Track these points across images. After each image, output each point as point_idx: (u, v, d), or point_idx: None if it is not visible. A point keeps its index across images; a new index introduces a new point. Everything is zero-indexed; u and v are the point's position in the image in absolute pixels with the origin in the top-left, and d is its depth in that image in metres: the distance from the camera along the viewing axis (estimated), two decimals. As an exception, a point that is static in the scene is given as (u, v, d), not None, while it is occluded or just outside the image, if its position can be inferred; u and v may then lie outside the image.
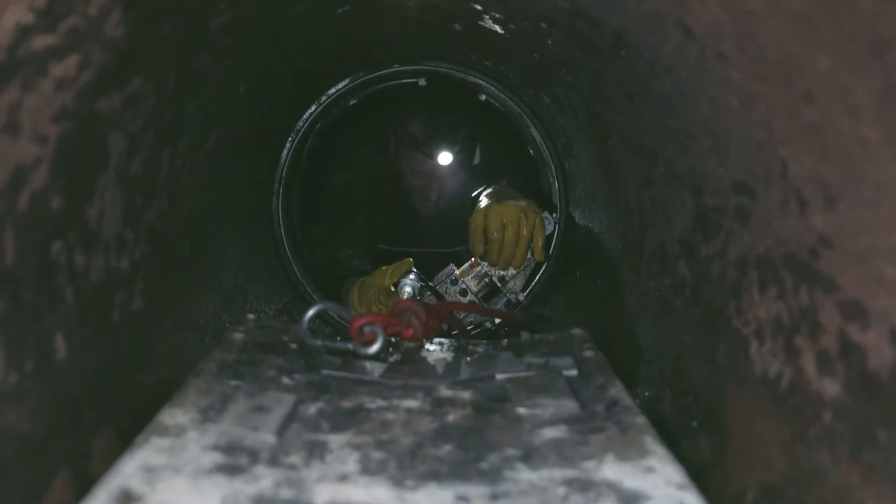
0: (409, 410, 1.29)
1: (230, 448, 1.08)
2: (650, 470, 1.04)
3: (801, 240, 1.07)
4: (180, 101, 1.53)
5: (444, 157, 3.20)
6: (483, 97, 2.78)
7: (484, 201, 2.66)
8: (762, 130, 1.10)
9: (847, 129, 0.91)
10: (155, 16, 1.24)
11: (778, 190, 1.10)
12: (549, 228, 2.73)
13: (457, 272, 2.76)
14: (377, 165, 3.38)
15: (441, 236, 3.33)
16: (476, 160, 3.39)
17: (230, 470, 1.02)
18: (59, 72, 1.06)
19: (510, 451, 1.12)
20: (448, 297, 2.73)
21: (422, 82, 2.76)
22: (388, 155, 3.37)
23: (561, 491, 1.00)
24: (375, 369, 1.50)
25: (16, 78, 0.97)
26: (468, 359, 1.60)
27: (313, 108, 2.65)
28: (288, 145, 2.67)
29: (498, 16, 1.87)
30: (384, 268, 2.76)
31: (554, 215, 2.71)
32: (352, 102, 2.79)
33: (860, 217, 0.94)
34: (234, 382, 1.33)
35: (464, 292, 2.73)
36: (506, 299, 2.76)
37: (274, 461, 1.06)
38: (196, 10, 1.40)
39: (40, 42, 0.99)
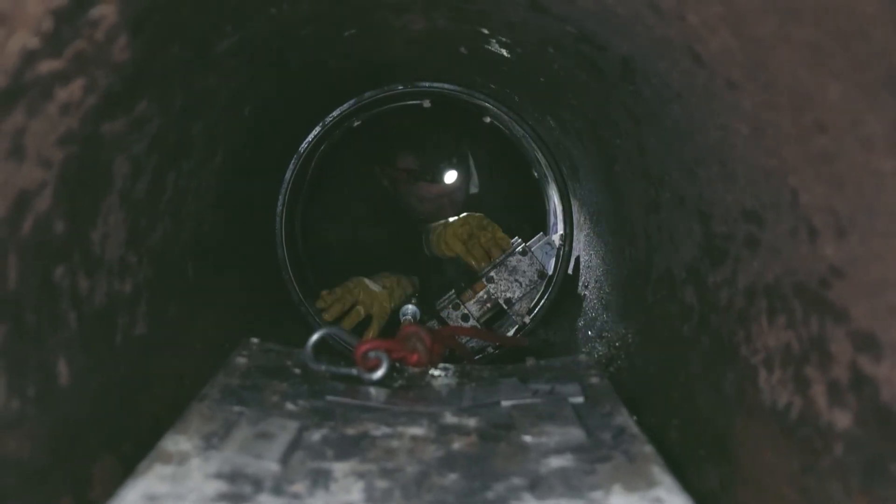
0: (414, 438, 1.28)
1: (233, 476, 1.07)
2: (658, 501, 1.03)
3: (812, 269, 1.06)
4: (185, 124, 1.53)
5: (449, 179, 3.23)
6: (488, 119, 2.79)
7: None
8: (772, 159, 1.09)
9: (859, 160, 0.90)
10: (162, 39, 1.24)
11: (788, 219, 1.09)
12: (553, 253, 2.73)
13: (459, 297, 2.75)
14: (381, 188, 3.38)
15: (444, 261, 3.32)
16: (477, 183, 3.41)
17: (233, 499, 1.01)
18: (65, 96, 1.05)
19: (516, 481, 1.11)
20: (450, 322, 2.72)
21: (426, 104, 2.76)
22: (391, 181, 3.38)
23: (568, 523, 0.99)
24: (380, 395, 1.49)
25: (21, 102, 0.97)
26: (473, 385, 1.59)
27: (318, 129, 2.65)
28: (292, 166, 2.66)
29: (504, 40, 1.87)
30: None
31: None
32: (356, 124, 2.79)
33: (872, 248, 0.93)
34: (237, 408, 1.32)
35: (465, 317, 2.72)
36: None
37: (278, 490, 1.05)
38: (203, 33, 1.39)
39: (46, 66, 0.99)
